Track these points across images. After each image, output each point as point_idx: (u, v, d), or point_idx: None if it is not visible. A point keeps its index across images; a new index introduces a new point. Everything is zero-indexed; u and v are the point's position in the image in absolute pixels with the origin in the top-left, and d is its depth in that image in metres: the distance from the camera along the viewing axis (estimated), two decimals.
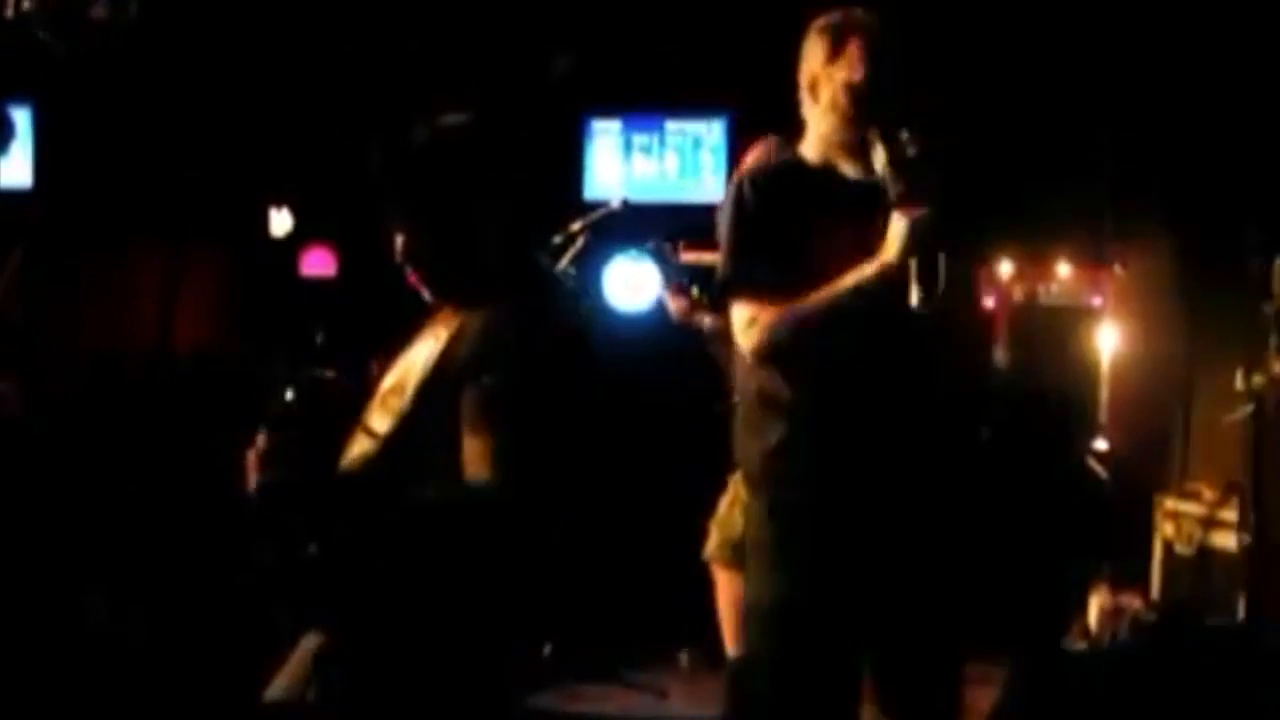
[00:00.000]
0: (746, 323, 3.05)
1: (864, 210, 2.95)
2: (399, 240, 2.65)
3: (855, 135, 3.01)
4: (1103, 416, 5.37)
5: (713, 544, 4.33)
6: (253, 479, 2.53)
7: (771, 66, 5.71)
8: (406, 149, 2.63)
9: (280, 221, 6.64)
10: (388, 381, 2.67)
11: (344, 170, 5.11)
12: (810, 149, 3.12)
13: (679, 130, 6.29)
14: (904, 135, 2.95)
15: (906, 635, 3.02)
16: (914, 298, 2.87)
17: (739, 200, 3.09)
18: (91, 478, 5.63)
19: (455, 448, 2.49)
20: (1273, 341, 4.83)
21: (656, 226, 5.23)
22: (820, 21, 3.11)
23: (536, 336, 2.63)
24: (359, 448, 2.59)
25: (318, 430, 2.61)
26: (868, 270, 2.92)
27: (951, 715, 3.10)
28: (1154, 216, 5.82)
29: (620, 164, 6.33)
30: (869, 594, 2.99)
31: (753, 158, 4.50)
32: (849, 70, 3.02)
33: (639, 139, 6.33)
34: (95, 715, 4.21)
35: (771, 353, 3.03)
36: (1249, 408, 4.84)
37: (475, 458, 2.47)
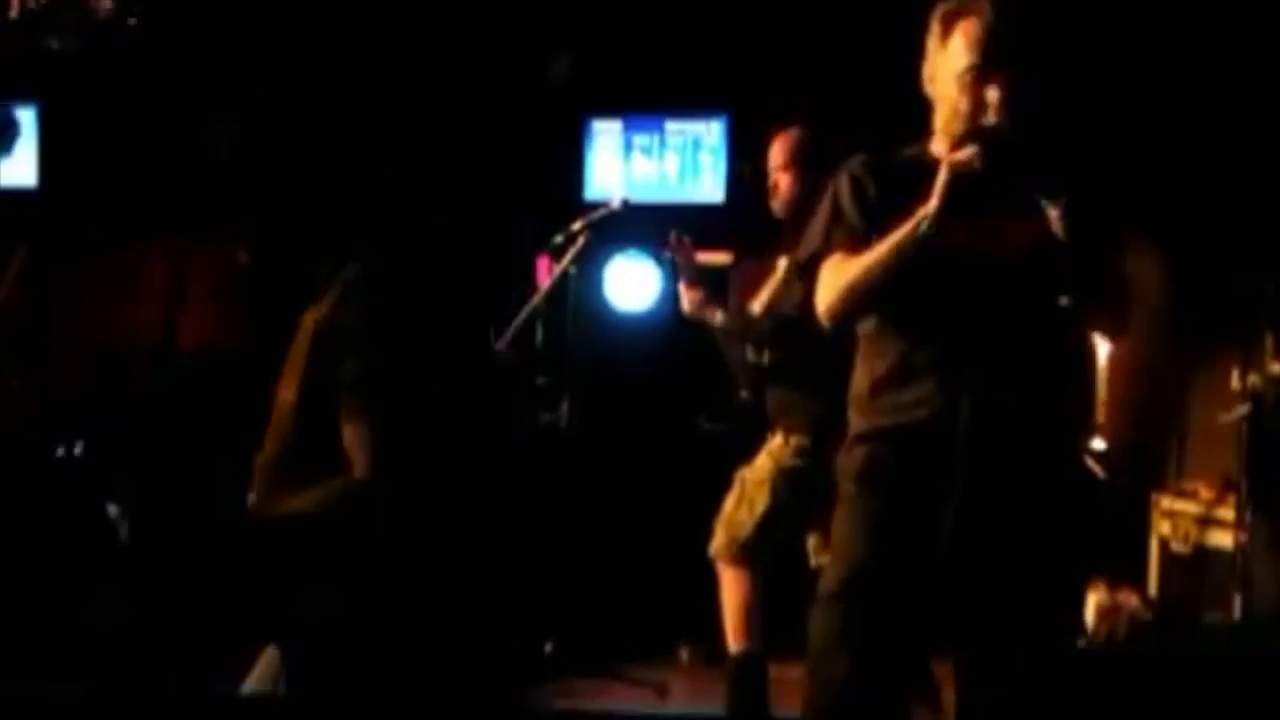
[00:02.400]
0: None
1: (977, 204, 2.84)
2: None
3: (969, 127, 2.90)
4: (1100, 416, 5.39)
5: (718, 542, 4.35)
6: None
7: (771, 67, 5.78)
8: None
9: None
10: (295, 346, 2.73)
11: (346, 170, 5.13)
12: (935, 144, 3.01)
13: (679, 131, 6.31)
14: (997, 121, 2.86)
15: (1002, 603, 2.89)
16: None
17: (850, 189, 3.00)
18: (96, 476, 5.65)
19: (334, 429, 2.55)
20: (1268, 341, 4.86)
21: (656, 227, 5.26)
22: (938, 9, 3.01)
23: (393, 299, 2.69)
24: (277, 414, 2.66)
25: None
26: (907, 225, 2.84)
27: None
28: (1150, 216, 5.84)
29: (620, 164, 6.35)
30: (960, 556, 2.84)
31: (781, 143, 4.52)
32: (956, 59, 2.93)
33: (639, 139, 6.35)
34: (91, 710, 4.23)
35: (831, 318, 2.96)
36: (1245, 407, 4.87)
37: (354, 447, 2.53)
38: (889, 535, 2.89)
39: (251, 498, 2.68)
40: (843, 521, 2.98)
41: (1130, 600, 5.16)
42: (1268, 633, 4.65)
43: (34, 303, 6.14)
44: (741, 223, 5.42)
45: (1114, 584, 5.16)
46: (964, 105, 2.91)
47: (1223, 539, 5.03)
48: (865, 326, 3.01)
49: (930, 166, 2.91)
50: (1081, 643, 5.04)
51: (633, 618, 5.48)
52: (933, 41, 3.00)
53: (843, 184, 3.03)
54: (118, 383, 6.33)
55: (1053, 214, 2.84)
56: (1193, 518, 5.19)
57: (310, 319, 2.69)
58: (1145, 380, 5.75)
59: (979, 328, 2.87)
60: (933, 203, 2.81)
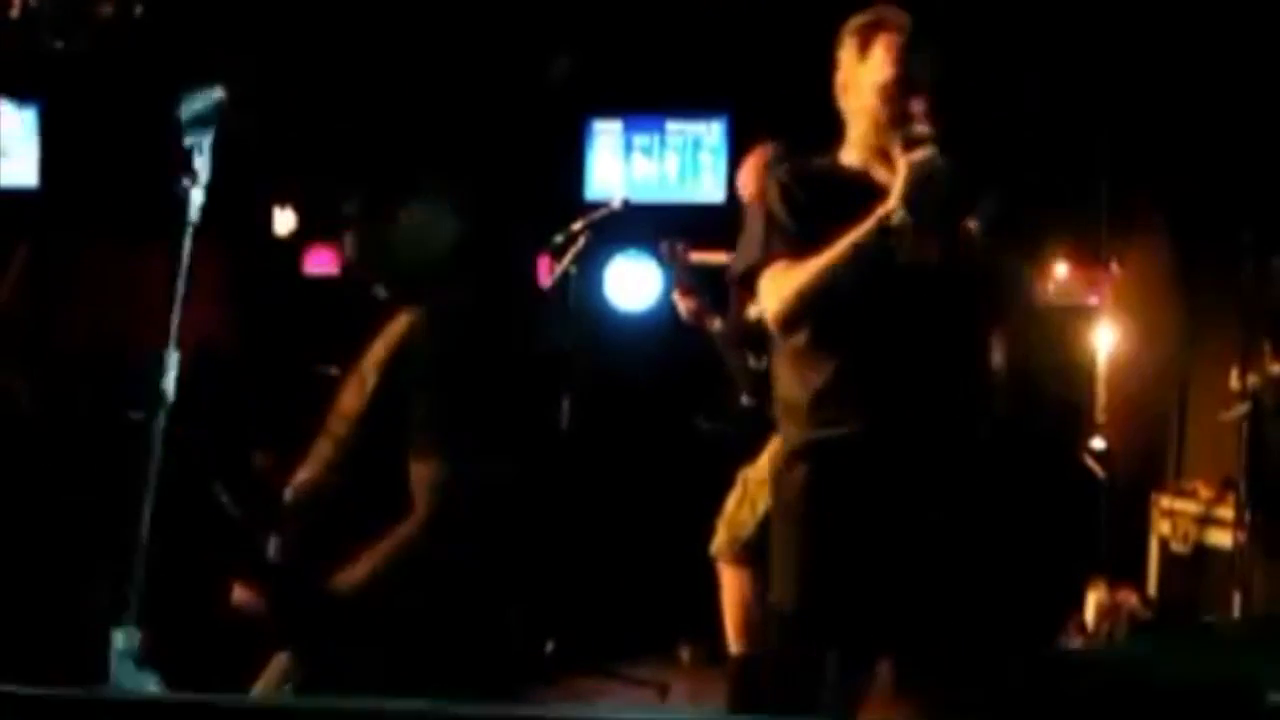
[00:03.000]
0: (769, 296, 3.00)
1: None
2: (348, 238, 2.70)
3: (887, 139, 2.96)
4: (1100, 415, 5.40)
5: (720, 541, 4.35)
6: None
7: (771, 68, 5.78)
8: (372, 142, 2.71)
9: (283, 221, 6.67)
10: (347, 385, 2.70)
11: (348, 169, 5.14)
12: (847, 154, 3.06)
13: (679, 131, 6.32)
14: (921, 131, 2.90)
15: (934, 608, 2.95)
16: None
17: (781, 197, 3.02)
18: (95, 475, 5.65)
19: (402, 456, 2.53)
20: (1268, 341, 4.86)
21: (656, 227, 5.27)
22: (851, 22, 3.06)
23: (483, 334, 2.68)
24: (321, 453, 2.63)
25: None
26: (866, 224, 2.86)
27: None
28: (1151, 216, 5.85)
29: (620, 164, 6.36)
30: (898, 562, 2.92)
31: (751, 164, 4.53)
32: (876, 71, 2.98)
33: (639, 140, 6.36)
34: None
35: (785, 322, 2.98)
36: (1245, 406, 4.87)
37: (420, 484, 2.52)
38: (839, 549, 2.93)
39: (302, 480, 2.66)
40: (789, 539, 3.02)
41: (1130, 599, 5.17)
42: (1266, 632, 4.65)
43: (35, 302, 6.15)
44: (742, 223, 5.42)
45: (1114, 583, 5.17)
46: (885, 116, 2.97)
47: (1222, 538, 5.03)
48: (797, 339, 3.01)
49: (850, 176, 3.01)
50: (1082, 642, 5.05)
51: (633, 618, 5.49)
52: (847, 54, 3.04)
53: (773, 192, 3.05)
54: (116, 381, 6.34)
55: (971, 226, 2.92)
56: (1192, 517, 5.19)
57: (379, 350, 2.65)
58: (1145, 380, 5.75)
59: (913, 339, 2.92)
60: (893, 200, 2.84)
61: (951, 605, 2.97)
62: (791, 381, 3.05)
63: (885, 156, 2.97)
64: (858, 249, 2.87)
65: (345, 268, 2.75)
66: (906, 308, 2.91)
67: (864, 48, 3.01)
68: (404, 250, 2.70)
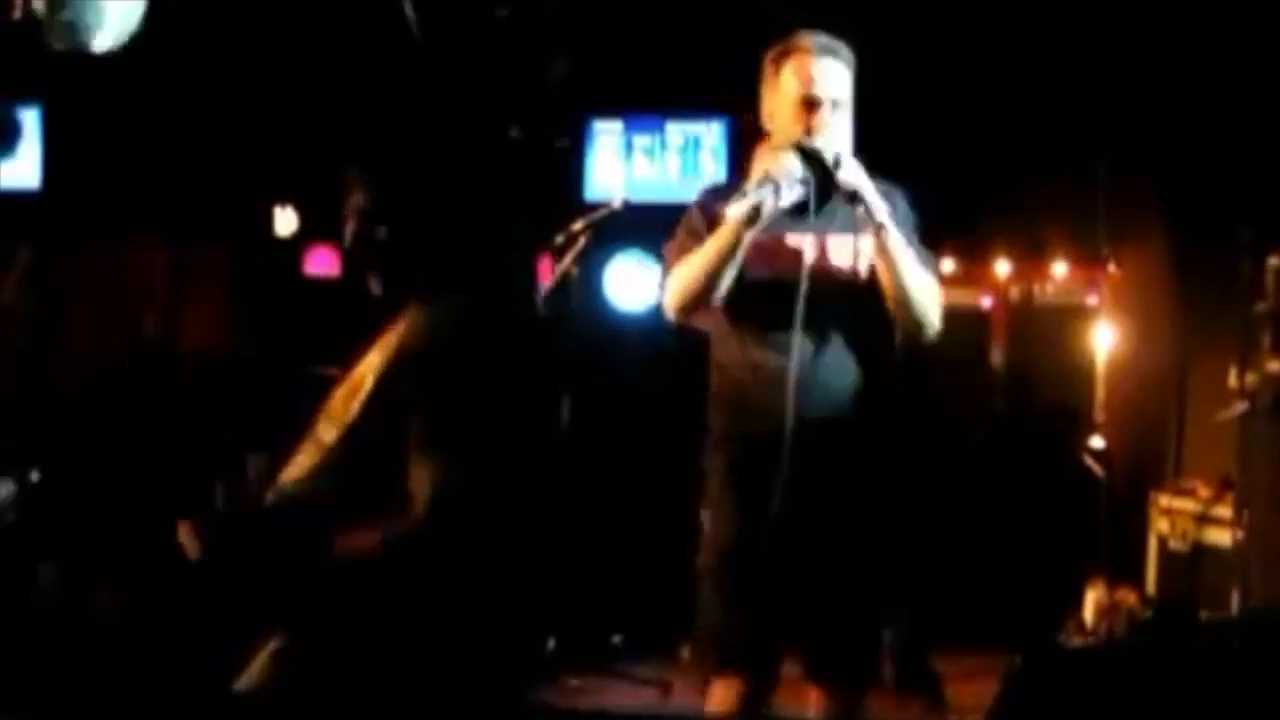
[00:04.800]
0: None
1: (803, 220, 3.23)
2: (350, 228, 2.70)
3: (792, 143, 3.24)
4: (1098, 414, 5.41)
5: None
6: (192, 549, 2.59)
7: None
8: (375, 137, 2.69)
9: (285, 221, 6.68)
10: (340, 389, 2.67)
11: (348, 169, 5.15)
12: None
13: (679, 131, 6.33)
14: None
15: (820, 578, 3.27)
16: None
17: (698, 210, 3.41)
18: (97, 473, 5.67)
19: (401, 463, 2.52)
20: (1266, 340, 4.87)
21: (657, 227, 5.28)
22: (767, 55, 3.36)
23: (483, 336, 2.68)
24: (307, 458, 2.61)
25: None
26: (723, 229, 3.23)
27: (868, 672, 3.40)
28: (1149, 215, 5.87)
29: (621, 165, 6.37)
30: (787, 533, 3.21)
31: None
32: (787, 92, 3.28)
33: (639, 140, 6.37)
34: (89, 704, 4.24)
35: (674, 312, 3.40)
36: (1243, 405, 4.88)
37: (419, 484, 2.51)
38: (746, 524, 3.28)
39: (284, 482, 2.65)
40: (714, 515, 3.40)
41: (1128, 598, 5.18)
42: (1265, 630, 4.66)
43: (37, 303, 6.16)
44: None
45: (1112, 582, 5.18)
46: (796, 131, 3.26)
47: (1220, 537, 5.04)
48: (717, 331, 3.39)
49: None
50: (1081, 640, 5.06)
51: (635, 616, 5.50)
52: (767, 83, 3.37)
53: (692, 210, 3.46)
54: (117, 382, 6.35)
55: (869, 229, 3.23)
56: (1191, 516, 5.20)
57: (376, 354, 2.63)
58: (1143, 379, 5.76)
59: (809, 335, 3.23)
60: (745, 201, 3.16)
61: (833, 591, 3.27)
62: (712, 371, 3.44)
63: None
64: (718, 239, 3.25)
65: (345, 255, 2.77)
66: (795, 305, 3.21)
67: (776, 73, 3.33)
68: (409, 248, 2.70)
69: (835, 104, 3.28)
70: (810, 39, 3.31)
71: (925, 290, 3.30)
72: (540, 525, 2.89)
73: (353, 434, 2.56)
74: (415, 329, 2.62)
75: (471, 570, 2.66)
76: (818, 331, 3.25)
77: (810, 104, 3.26)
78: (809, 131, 3.24)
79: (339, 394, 2.66)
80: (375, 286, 2.74)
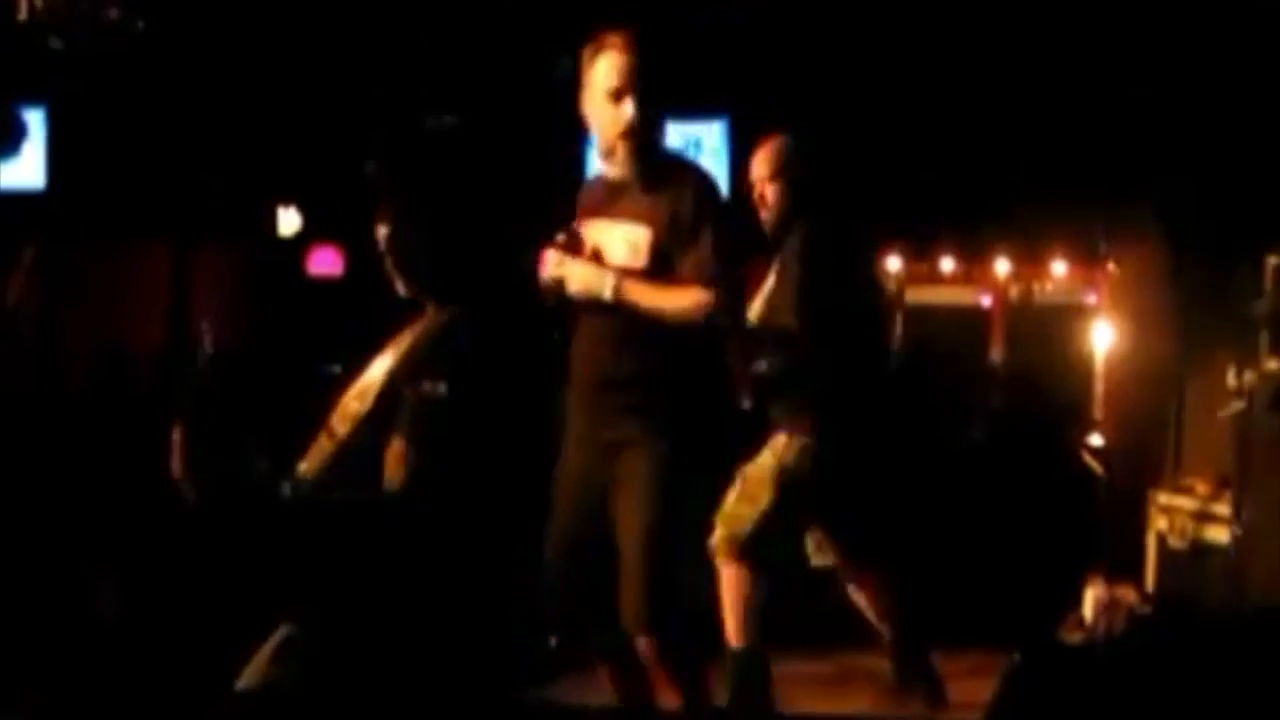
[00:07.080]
0: None
1: (616, 207, 3.49)
2: (382, 231, 2.76)
3: (612, 141, 3.50)
4: (1097, 412, 5.43)
5: (718, 537, 4.37)
6: (177, 466, 2.63)
7: (770, 69, 5.81)
8: (402, 144, 2.74)
9: (288, 221, 6.70)
10: (355, 384, 2.72)
11: (351, 170, 5.17)
12: (597, 161, 3.61)
13: (679, 132, 6.33)
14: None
15: None
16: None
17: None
18: (99, 472, 5.69)
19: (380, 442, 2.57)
20: (1264, 338, 4.89)
21: None
22: (585, 52, 3.55)
23: (487, 343, 2.72)
24: (320, 450, 2.66)
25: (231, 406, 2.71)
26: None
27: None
28: (1148, 215, 5.88)
29: None
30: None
31: (766, 151, 4.55)
32: (599, 85, 3.49)
33: None
34: (91, 703, 4.26)
35: None
36: (1241, 404, 4.89)
37: (394, 460, 2.55)
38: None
39: (301, 472, 2.69)
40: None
41: (1128, 595, 5.19)
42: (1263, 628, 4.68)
43: (41, 301, 6.18)
44: (744, 223, 5.45)
45: (1112, 579, 5.19)
46: (606, 121, 3.48)
47: (1219, 534, 5.05)
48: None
49: (602, 183, 3.60)
50: (1080, 637, 5.07)
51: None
52: (585, 77, 3.55)
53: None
54: (121, 381, 6.37)
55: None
56: (1189, 513, 5.21)
57: (393, 352, 2.68)
58: (1142, 377, 5.78)
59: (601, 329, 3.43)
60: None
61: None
62: None
63: (612, 155, 3.52)
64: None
65: (379, 254, 2.82)
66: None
67: (590, 67, 3.52)
68: (439, 251, 2.75)
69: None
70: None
71: (678, 314, 3.47)
72: (538, 522, 2.91)
73: (364, 427, 2.61)
74: (432, 330, 2.66)
75: (440, 559, 2.70)
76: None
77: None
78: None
79: (352, 391, 2.71)
80: (401, 289, 2.80)
